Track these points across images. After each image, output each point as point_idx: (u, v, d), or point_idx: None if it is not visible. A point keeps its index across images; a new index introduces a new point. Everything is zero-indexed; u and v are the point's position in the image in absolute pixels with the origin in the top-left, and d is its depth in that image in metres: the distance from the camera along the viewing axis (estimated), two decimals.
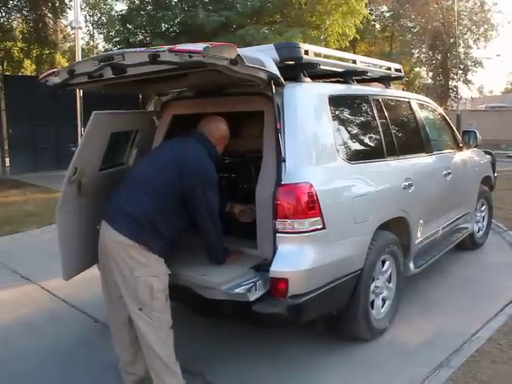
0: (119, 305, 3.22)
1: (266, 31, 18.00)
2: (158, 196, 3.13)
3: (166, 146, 3.58)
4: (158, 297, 3.04)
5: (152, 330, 3.06)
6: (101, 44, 31.01)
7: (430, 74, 38.50)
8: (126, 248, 3.02)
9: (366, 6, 21.22)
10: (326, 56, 4.19)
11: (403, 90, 12.66)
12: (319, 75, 4.41)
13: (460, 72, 34.16)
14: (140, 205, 3.12)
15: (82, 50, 30.71)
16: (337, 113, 3.96)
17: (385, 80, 5.08)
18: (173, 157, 3.28)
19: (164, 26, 19.99)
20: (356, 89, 4.43)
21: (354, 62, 4.43)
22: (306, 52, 3.66)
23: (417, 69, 38.59)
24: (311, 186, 3.28)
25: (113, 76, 3.13)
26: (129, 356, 3.37)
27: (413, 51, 36.50)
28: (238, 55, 2.79)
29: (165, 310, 3.11)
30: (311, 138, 3.58)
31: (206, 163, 3.28)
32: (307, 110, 3.61)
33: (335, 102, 3.89)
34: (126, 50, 3.06)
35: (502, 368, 3.56)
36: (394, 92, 5.11)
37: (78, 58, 12.16)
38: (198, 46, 2.61)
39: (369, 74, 4.74)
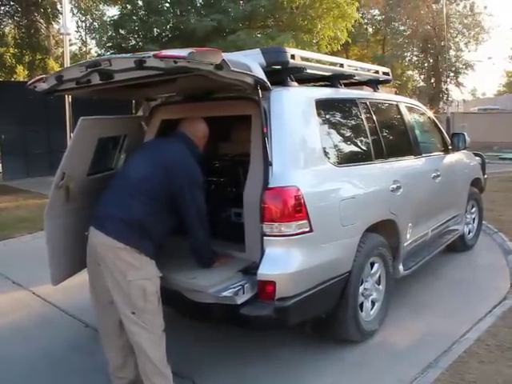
0: (109, 309, 3.23)
1: (259, 35, 18.07)
2: (147, 199, 3.15)
3: (150, 147, 3.58)
4: (150, 300, 3.05)
5: (145, 334, 3.07)
6: (93, 49, 30.94)
7: (422, 76, 38.68)
8: (117, 251, 3.03)
9: (357, 10, 21.31)
10: (312, 60, 4.22)
11: (396, 93, 12.73)
12: (307, 79, 4.43)
13: (451, 75, 34.33)
14: (130, 208, 3.12)
15: (75, 55, 30.76)
16: (324, 116, 3.99)
17: (373, 83, 5.11)
18: (159, 159, 3.28)
19: (156, 31, 20.01)
20: (343, 92, 4.45)
21: (342, 65, 4.46)
22: (293, 56, 3.68)
23: (409, 72, 38.72)
24: (298, 189, 3.30)
25: (100, 82, 3.15)
26: (119, 360, 3.38)
27: (405, 54, 36.67)
28: (223, 60, 2.81)
29: (157, 312, 3.12)
30: (298, 141, 3.60)
31: (191, 163, 3.32)
32: (294, 113, 3.63)
33: (322, 105, 3.92)
34: (113, 55, 3.09)
35: (489, 368, 3.58)
36: (382, 95, 5.14)
37: (67, 63, 12.19)
38: (183, 52, 2.64)
39: (356, 78, 4.77)
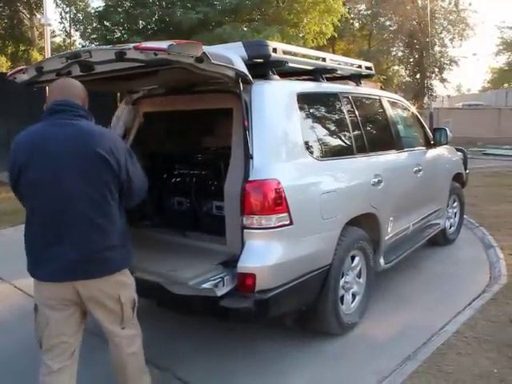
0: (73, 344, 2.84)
1: (245, 29, 18.05)
2: (108, 205, 2.62)
3: (59, 145, 2.63)
4: (136, 305, 2.86)
5: (134, 339, 2.89)
6: (78, 41, 30.70)
7: (407, 72, 38.82)
8: (110, 281, 2.67)
9: (343, 5, 21.36)
10: (295, 54, 4.23)
11: (381, 88, 12.78)
12: (289, 73, 4.44)
13: (436, 70, 34.54)
14: (101, 231, 2.59)
15: (60, 46, 30.44)
16: (306, 110, 4.00)
17: (355, 78, 5.13)
18: (89, 153, 2.55)
19: (142, 24, 19.90)
20: (325, 86, 4.47)
21: (324, 59, 4.46)
22: (275, 50, 3.69)
23: (395, 67, 38.87)
24: (278, 182, 3.32)
25: (81, 73, 3.14)
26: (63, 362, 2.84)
27: (391, 49, 36.79)
28: (204, 53, 2.81)
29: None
30: (279, 134, 3.61)
31: (114, 135, 2.85)
32: (275, 107, 3.64)
33: (304, 99, 3.93)
34: (93, 47, 3.07)
35: (466, 360, 3.63)
36: (365, 90, 5.16)
37: (48, 55, 12.10)
38: (163, 44, 2.65)
39: (339, 72, 4.78)
